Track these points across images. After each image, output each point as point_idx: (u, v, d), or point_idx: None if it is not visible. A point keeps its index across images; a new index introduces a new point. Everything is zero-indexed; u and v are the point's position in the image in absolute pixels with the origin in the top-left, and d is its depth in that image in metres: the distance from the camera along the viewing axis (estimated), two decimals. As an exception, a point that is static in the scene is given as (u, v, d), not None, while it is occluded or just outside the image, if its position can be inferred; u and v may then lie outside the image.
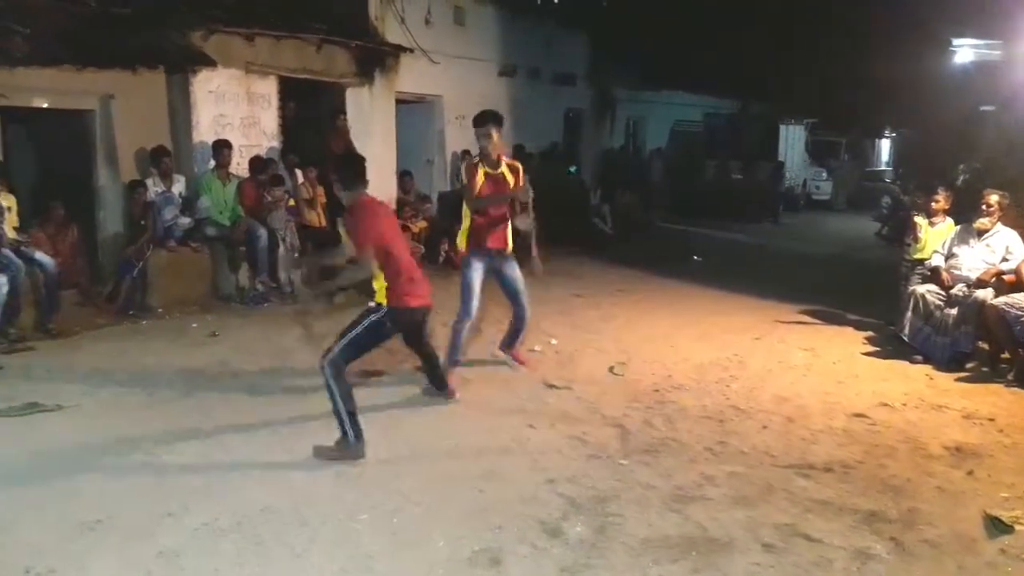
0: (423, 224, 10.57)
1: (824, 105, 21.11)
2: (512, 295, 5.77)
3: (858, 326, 7.84)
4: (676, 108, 20.01)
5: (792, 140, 21.45)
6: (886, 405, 5.50)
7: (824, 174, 22.38)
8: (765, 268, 11.67)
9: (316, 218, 9.19)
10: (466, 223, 5.65)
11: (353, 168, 4.69)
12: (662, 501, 3.93)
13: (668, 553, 3.44)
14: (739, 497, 4.01)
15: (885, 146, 26.88)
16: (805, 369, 6.39)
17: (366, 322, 4.49)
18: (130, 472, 4.17)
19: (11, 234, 6.83)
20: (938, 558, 3.48)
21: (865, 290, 9.11)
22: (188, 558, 3.33)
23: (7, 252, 6.60)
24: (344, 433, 4.33)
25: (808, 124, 22.16)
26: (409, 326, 4.84)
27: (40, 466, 4.23)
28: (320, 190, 9.27)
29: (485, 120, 5.56)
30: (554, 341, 6.92)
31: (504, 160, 5.69)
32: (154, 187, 7.95)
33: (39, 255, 6.88)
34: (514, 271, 5.70)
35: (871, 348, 7.09)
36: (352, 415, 4.34)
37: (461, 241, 5.70)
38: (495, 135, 5.54)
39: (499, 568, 3.31)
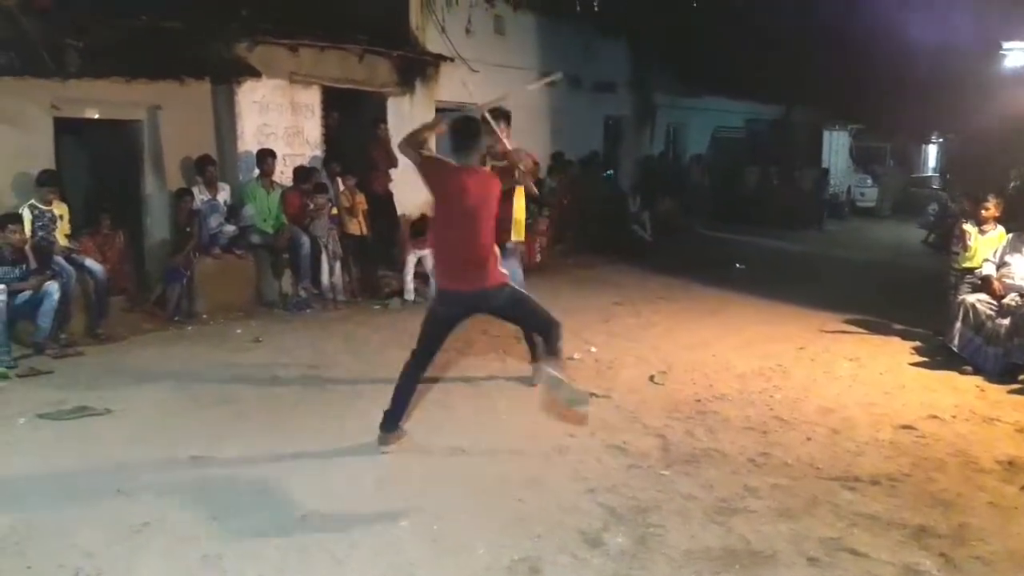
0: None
1: (869, 110, 20.74)
2: None
3: (905, 336, 7.68)
4: (717, 114, 19.82)
5: (836, 146, 21.11)
6: (935, 417, 5.38)
7: (869, 181, 21.99)
8: (809, 276, 11.50)
9: (357, 226, 9.27)
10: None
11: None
12: (704, 512, 3.88)
13: (710, 565, 3.40)
14: (783, 509, 3.94)
15: (932, 152, 26.35)
16: (850, 379, 6.27)
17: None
18: (176, 476, 4.24)
19: (63, 242, 7.02)
20: (990, 575, 3.39)
21: (912, 299, 8.92)
22: (231, 562, 3.37)
23: (59, 259, 6.78)
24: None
25: (852, 130, 21.80)
26: None
27: (89, 469, 4.32)
28: (361, 198, 9.36)
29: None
30: (593, 349, 6.89)
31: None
32: (200, 195, 8.11)
33: (89, 262, 7.05)
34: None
35: (919, 358, 6.93)
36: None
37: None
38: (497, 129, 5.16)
39: (539, 577, 3.29)
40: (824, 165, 20.03)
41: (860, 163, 22.02)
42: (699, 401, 5.62)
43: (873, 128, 22.03)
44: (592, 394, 5.64)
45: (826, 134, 20.66)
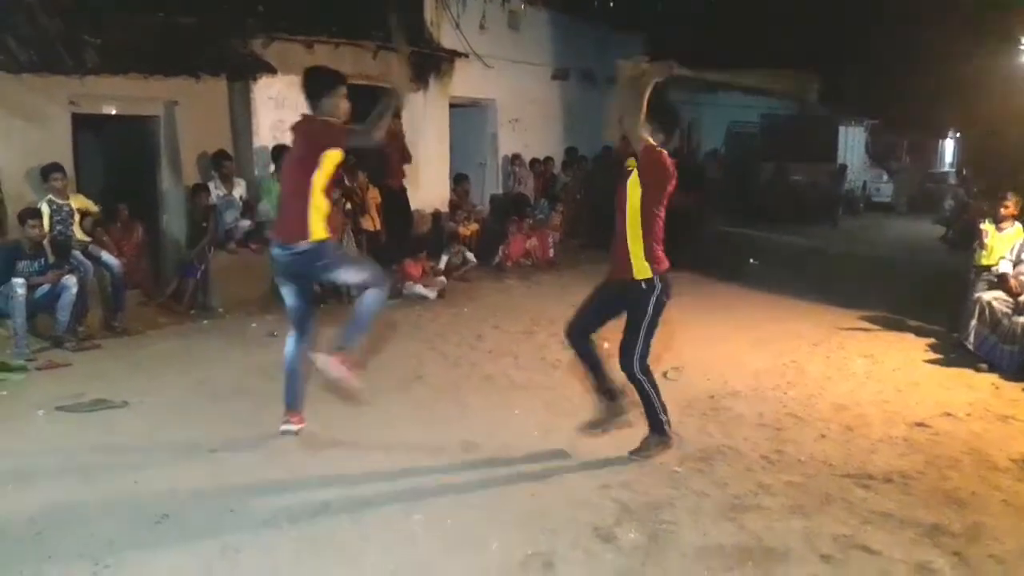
0: (474, 227, 10.64)
1: (885, 105, 20.56)
2: None
3: (920, 333, 7.65)
4: (732, 109, 19.73)
5: (852, 141, 20.93)
6: (949, 415, 5.36)
7: (885, 176, 21.81)
8: (824, 272, 11.42)
9: (371, 222, 9.31)
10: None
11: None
12: (717, 509, 3.89)
13: (723, 562, 3.41)
14: (796, 507, 3.95)
15: (949, 147, 26.09)
16: (864, 377, 6.25)
17: (651, 306, 4.25)
18: (193, 468, 4.29)
19: (80, 236, 7.09)
20: (1004, 574, 3.38)
21: (927, 296, 8.86)
22: (248, 555, 3.41)
23: (76, 254, 6.85)
24: (662, 429, 4.41)
25: (869, 125, 21.63)
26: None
27: (108, 461, 4.38)
28: (374, 193, 9.40)
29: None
30: (606, 344, 6.86)
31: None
32: (216, 191, 8.17)
33: (105, 256, 7.13)
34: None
35: (933, 356, 6.90)
36: (665, 408, 4.42)
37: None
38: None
39: (552, 572, 3.31)
40: (840, 160, 19.88)
41: (876, 158, 21.84)
42: (712, 397, 5.62)
43: (889, 123, 21.83)
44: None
45: (842, 129, 20.49)
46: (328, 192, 4.43)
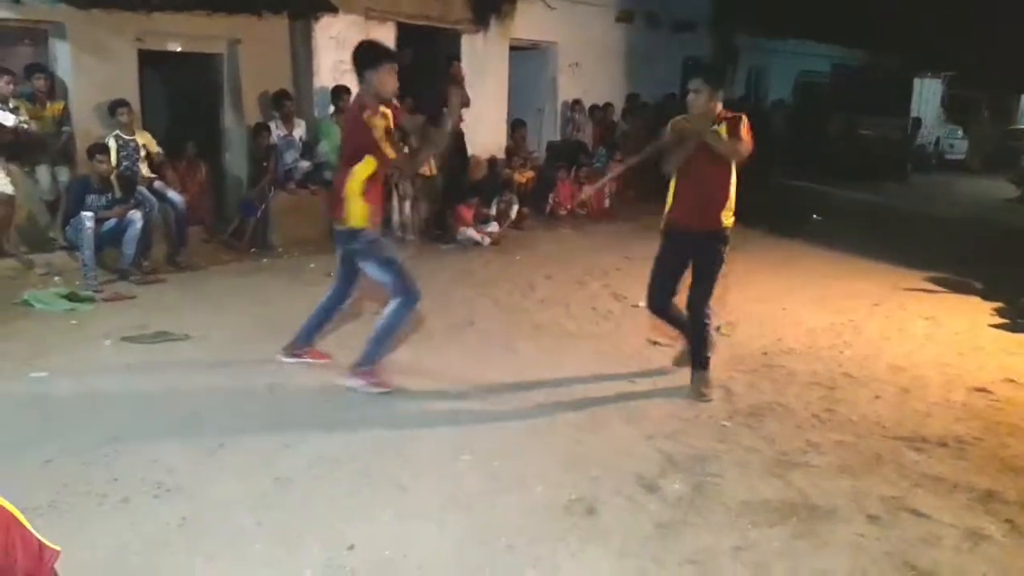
0: (530, 174, 10.57)
1: (964, 57, 19.59)
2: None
3: (986, 296, 7.39)
4: (802, 58, 19.04)
5: (927, 95, 20.04)
6: (1012, 381, 5.20)
7: (960, 132, 20.91)
8: (889, 230, 11.11)
9: (426, 166, 9.30)
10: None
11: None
12: (764, 465, 3.88)
13: (767, 517, 3.41)
14: (845, 466, 3.90)
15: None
16: (925, 339, 6.10)
17: (726, 253, 4.62)
18: (251, 401, 4.43)
19: (145, 172, 7.26)
20: (1059, 545, 3.31)
21: (997, 258, 8.56)
22: (302, 485, 3.53)
23: (142, 189, 7.03)
24: (707, 365, 4.73)
25: (946, 77, 20.67)
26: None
27: (170, 391, 4.54)
28: (432, 136, 9.36)
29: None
30: (641, 303, 6.82)
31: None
32: (276, 131, 8.25)
33: (171, 193, 7.30)
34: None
35: (999, 320, 6.68)
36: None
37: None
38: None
39: (595, 517, 3.36)
40: (914, 114, 19.09)
41: (952, 113, 20.92)
42: (766, 354, 5.56)
43: (968, 76, 20.82)
44: (655, 342, 5.66)
45: (916, 82, 19.63)
46: (373, 181, 4.37)
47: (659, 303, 4.83)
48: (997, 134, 21.63)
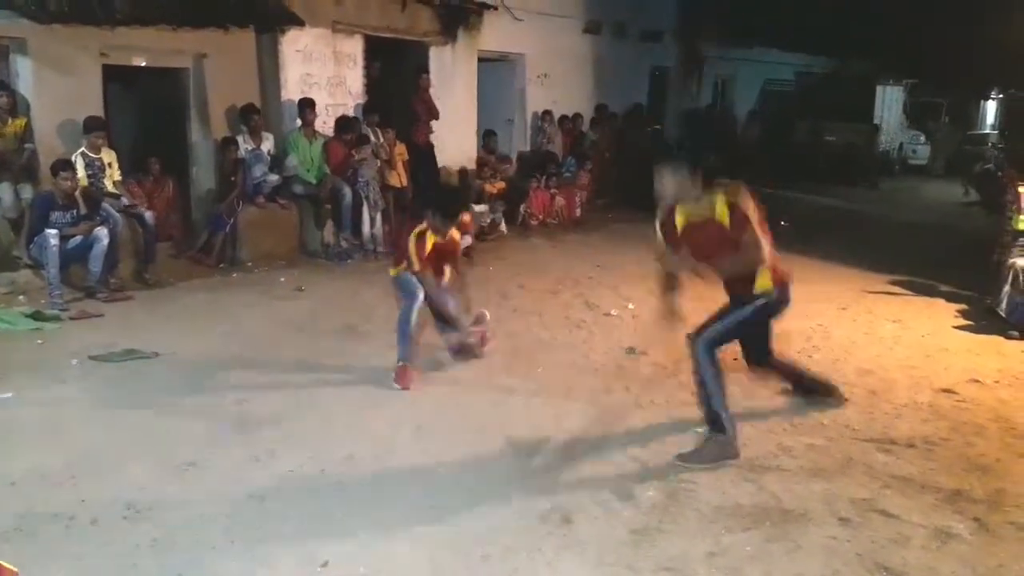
0: (501, 185, 10.59)
1: (925, 64, 19.99)
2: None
3: (951, 298, 7.53)
4: (767, 66, 19.30)
5: (889, 101, 20.43)
6: (977, 381, 5.30)
7: (922, 138, 21.32)
8: (855, 235, 11.28)
9: (397, 178, 9.30)
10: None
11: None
12: (736, 470, 3.91)
13: (741, 522, 3.43)
14: (816, 469, 3.95)
15: (991, 108, 25.38)
16: (892, 341, 6.19)
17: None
18: (221, 418, 4.38)
19: (111, 189, 7.17)
20: (1024, 541, 3.37)
21: (960, 261, 8.72)
22: (274, 501, 3.50)
23: (106, 206, 6.94)
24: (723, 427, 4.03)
25: (907, 84, 21.07)
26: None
27: (139, 410, 4.48)
28: (401, 148, 9.37)
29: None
30: (631, 305, 6.88)
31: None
32: (244, 144, 8.20)
33: (139, 209, 7.21)
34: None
35: (964, 322, 6.80)
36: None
37: None
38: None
39: (570, 527, 3.36)
40: (876, 121, 19.43)
41: (914, 119, 21.33)
42: (736, 359, 5.56)
43: (929, 83, 21.25)
44: (630, 349, 5.69)
45: (879, 88, 20.00)
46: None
47: (757, 362, 4.51)
48: (957, 139, 22.08)
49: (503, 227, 9.99)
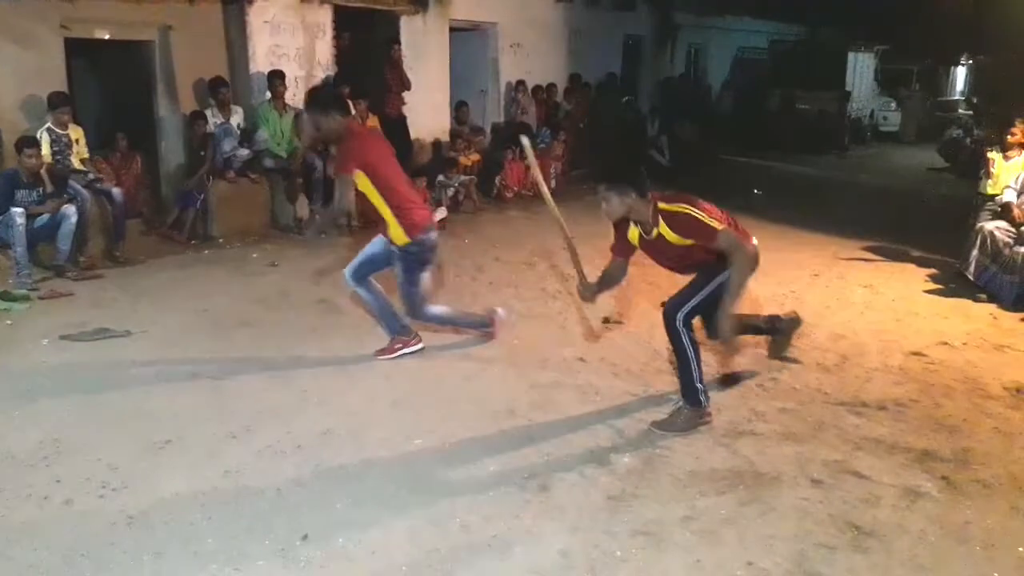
0: (475, 157, 10.52)
1: (896, 31, 20.07)
2: None
3: (921, 263, 7.64)
4: (740, 35, 19.28)
5: (861, 69, 20.52)
6: (945, 344, 5.39)
7: (893, 104, 21.47)
8: (827, 202, 11.38)
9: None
10: None
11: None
12: (710, 435, 3.96)
13: (715, 486, 3.49)
14: (788, 433, 4.01)
15: (960, 75, 25.57)
16: (863, 306, 6.27)
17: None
18: (196, 396, 4.36)
19: (78, 165, 7.04)
20: (990, 498, 3.45)
21: (930, 226, 8.83)
22: (251, 477, 3.49)
23: (73, 183, 6.81)
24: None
25: (879, 51, 21.16)
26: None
27: (112, 389, 4.43)
28: (373, 121, 9.27)
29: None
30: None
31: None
32: (213, 118, 8.07)
33: (106, 185, 7.09)
34: None
35: (933, 286, 6.91)
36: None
37: None
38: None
39: (548, 494, 3.40)
40: (848, 88, 19.52)
41: (885, 86, 21.46)
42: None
43: (900, 50, 21.36)
44: (606, 319, 5.72)
45: (851, 56, 20.06)
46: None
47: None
48: (928, 106, 22.26)
49: (476, 197, 9.91)
